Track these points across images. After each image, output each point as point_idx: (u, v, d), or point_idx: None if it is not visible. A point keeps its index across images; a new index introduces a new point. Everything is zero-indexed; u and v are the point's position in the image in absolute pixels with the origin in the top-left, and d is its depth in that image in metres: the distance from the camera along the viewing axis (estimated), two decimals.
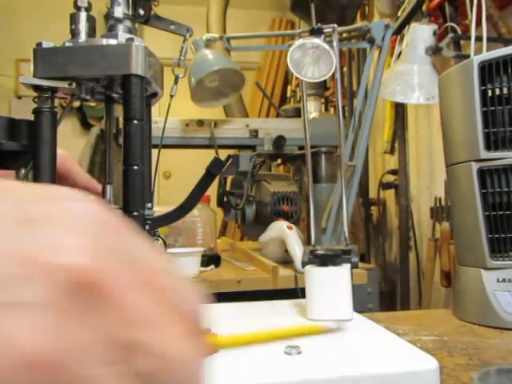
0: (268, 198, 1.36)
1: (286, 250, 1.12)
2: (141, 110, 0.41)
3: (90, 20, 0.44)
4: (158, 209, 0.57)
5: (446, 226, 1.62)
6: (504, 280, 0.65)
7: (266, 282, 1.09)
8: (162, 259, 0.20)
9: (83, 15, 0.44)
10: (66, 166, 0.52)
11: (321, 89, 1.88)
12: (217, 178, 0.53)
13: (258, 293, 1.08)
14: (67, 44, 0.42)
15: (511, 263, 0.65)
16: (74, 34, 0.43)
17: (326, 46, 0.64)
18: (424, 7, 1.47)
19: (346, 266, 0.58)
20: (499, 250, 0.66)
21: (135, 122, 0.41)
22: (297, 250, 1.08)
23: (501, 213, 0.66)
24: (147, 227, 0.43)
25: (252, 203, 1.42)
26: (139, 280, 0.18)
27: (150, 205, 0.46)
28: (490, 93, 0.67)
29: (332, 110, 2.35)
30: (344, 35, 1.13)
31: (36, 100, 0.41)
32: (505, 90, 0.66)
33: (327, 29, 0.70)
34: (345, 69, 2.34)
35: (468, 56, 1.26)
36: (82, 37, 0.43)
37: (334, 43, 0.68)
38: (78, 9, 0.44)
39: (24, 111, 0.50)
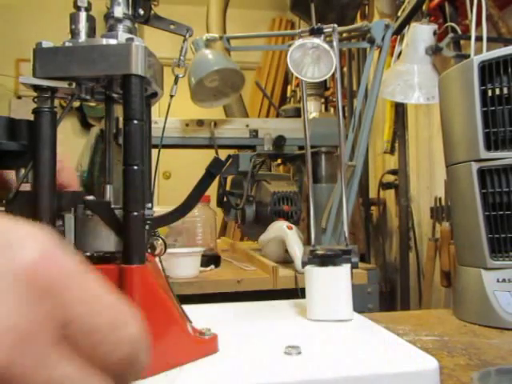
0: (268, 198, 1.36)
1: (286, 250, 1.12)
2: (141, 109, 0.41)
3: (90, 20, 0.44)
4: (158, 209, 0.57)
5: (446, 226, 1.62)
6: (504, 280, 0.65)
7: (266, 282, 1.09)
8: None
9: (83, 15, 0.44)
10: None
11: (321, 89, 1.89)
12: (217, 178, 0.53)
13: (257, 293, 1.08)
14: (67, 44, 0.42)
15: (511, 263, 0.65)
16: (74, 33, 0.43)
17: (326, 46, 0.64)
18: (424, 7, 1.47)
19: (346, 266, 0.58)
20: (499, 250, 0.66)
21: (135, 122, 0.41)
22: (297, 250, 1.08)
23: (501, 213, 0.66)
24: (147, 227, 0.43)
25: (252, 203, 1.42)
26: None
27: (150, 205, 0.46)
28: (490, 93, 0.67)
29: (332, 110, 2.35)
30: (344, 35, 1.13)
31: (36, 100, 0.41)
32: (505, 90, 0.66)
33: (327, 29, 0.70)
34: (345, 69, 2.34)
35: (468, 56, 1.26)
36: (82, 37, 0.43)
37: (334, 43, 0.68)
38: (78, 9, 0.44)
39: (24, 111, 0.50)
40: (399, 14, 1.49)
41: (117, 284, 0.39)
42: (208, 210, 1.34)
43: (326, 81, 2.04)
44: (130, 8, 0.46)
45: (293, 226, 1.15)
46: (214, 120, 1.54)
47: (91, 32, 0.44)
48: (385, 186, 2.23)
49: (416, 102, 1.37)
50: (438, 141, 1.80)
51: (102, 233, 0.41)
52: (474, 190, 0.67)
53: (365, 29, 0.98)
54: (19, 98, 3.54)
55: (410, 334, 0.62)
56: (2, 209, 0.41)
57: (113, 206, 0.42)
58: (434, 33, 1.38)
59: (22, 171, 0.43)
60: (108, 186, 0.47)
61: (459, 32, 1.43)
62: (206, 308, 0.63)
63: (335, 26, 0.70)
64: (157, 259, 0.47)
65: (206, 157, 0.73)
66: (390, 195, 2.30)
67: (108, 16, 0.45)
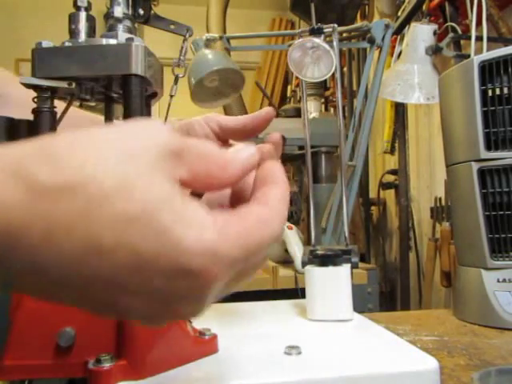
0: None
1: (286, 250, 1.12)
2: (141, 109, 0.41)
3: (90, 20, 0.44)
4: None
5: (446, 226, 1.62)
6: (504, 280, 0.65)
7: (266, 282, 1.09)
8: None
9: (83, 15, 0.44)
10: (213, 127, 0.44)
11: (321, 89, 1.88)
12: None
13: (258, 293, 1.08)
14: (67, 44, 0.42)
15: (511, 263, 0.65)
16: (74, 33, 0.43)
17: (326, 46, 0.64)
18: (424, 7, 1.47)
19: (346, 266, 0.58)
20: (499, 250, 0.66)
21: None
22: (297, 250, 1.08)
23: (501, 213, 0.66)
24: None
25: None
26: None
27: None
28: (490, 93, 0.67)
29: (332, 109, 2.35)
30: (344, 35, 1.13)
31: (35, 100, 0.41)
32: (505, 90, 0.66)
33: (327, 29, 0.70)
34: (345, 69, 2.34)
35: (468, 56, 1.26)
36: (82, 37, 0.43)
37: (334, 43, 0.68)
38: (78, 8, 0.44)
39: None
40: (399, 13, 1.49)
41: None
42: None
43: (326, 81, 2.04)
44: (130, 8, 0.46)
45: (293, 226, 1.15)
46: None
47: (91, 32, 0.44)
48: (385, 185, 2.23)
49: (416, 102, 1.37)
50: (438, 141, 1.80)
51: None
52: (474, 189, 0.67)
53: (365, 29, 0.98)
54: None
55: (410, 334, 0.62)
56: None
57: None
58: (434, 33, 1.38)
59: None
60: None
61: (459, 32, 1.43)
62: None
63: (335, 25, 0.70)
64: None
65: None
66: (390, 195, 2.30)
67: (108, 16, 0.45)
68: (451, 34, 1.41)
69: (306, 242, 1.17)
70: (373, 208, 2.36)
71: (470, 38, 1.30)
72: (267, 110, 0.46)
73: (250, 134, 0.46)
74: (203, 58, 1.40)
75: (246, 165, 0.26)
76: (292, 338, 0.47)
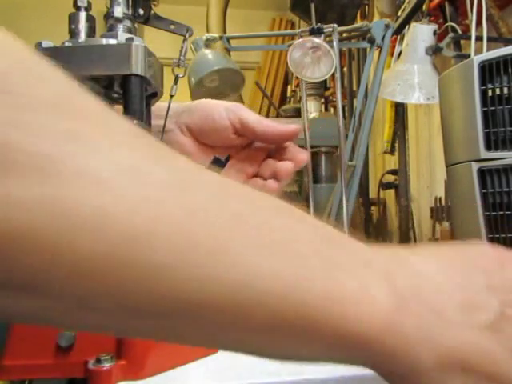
0: None
1: None
2: (141, 109, 0.41)
3: (90, 20, 0.44)
4: None
5: (446, 226, 1.62)
6: None
7: None
8: None
9: (83, 15, 0.44)
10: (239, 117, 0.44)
11: (321, 89, 1.88)
12: None
13: None
14: (67, 44, 0.42)
15: None
16: (74, 33, 0.43)
17: (326, 46, 0.64)
18: (424, 7, 1.47)
19: None
20: None
21: (135, 122, 0.41)
22: None
23: (501, 213, 0.66)
24: None
25: None
26: None
27: None
28: (490, 93, 0.67)
29: (332, 109, 2.35)
30: (344, 35, 1.13)
31: None
32: (505, 90, 0.66)
33: (327, 29, 0.70)
34: (345, 69, 2.34)
35: (468, 56, 1.26)
36: (82, 36, 0.43)
37: (334, 43, 0.68)
38: (78, 8, 0.44)
39: None
40: (399, 13, 1.48)
41: None
42: None
43: (325, 81, 2.04)
44: (130, 8, 0.46)
45: None
46: None
47: (91, 32, 0.44)
48: (385, 185, 2.23)
49: (416, 102, 1.37)
50: (438, 141, 1.80)
51: None
52: (474, 189, 0.67)
53: (365, 29, 0.98)
54: None
55: None
56: None
57: None
58: (434, 33, 1.38)
59: None
60: None
61: (459, 32, 1.43)
62: None
63: (335, 25, 0.70)
64: None
65: None
66: (390, 195, 2.30)
67: (108, 16, 0.45)
68: (451, 34, 1.40)
69: None
70: (373, 208, 2.36)
71: (469, 38, 1.30)
72: (295, 128, 0.46)
73: (265, 141, 0.45)
74: (203, 58, 1.40)
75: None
76: None
